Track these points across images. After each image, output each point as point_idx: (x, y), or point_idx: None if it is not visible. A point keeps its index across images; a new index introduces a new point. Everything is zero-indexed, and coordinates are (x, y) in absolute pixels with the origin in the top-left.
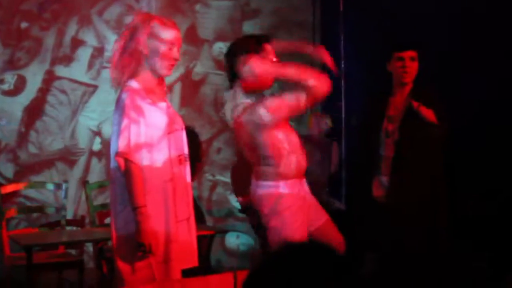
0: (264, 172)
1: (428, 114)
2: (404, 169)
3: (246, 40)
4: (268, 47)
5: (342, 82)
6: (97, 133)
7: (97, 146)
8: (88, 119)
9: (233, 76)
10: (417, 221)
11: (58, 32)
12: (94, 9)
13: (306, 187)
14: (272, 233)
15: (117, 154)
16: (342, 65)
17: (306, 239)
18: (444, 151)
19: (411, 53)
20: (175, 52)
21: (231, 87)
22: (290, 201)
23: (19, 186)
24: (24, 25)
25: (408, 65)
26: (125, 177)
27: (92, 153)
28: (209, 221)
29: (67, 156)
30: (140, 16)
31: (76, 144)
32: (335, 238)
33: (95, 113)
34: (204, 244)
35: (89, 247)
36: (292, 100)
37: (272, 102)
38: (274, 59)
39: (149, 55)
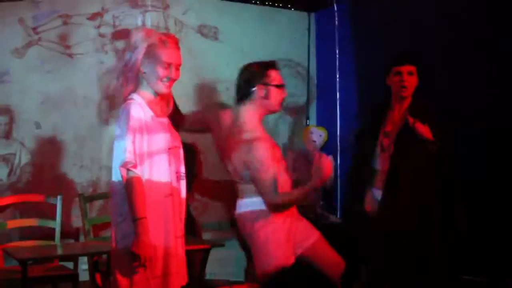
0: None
1: (423, 130)
2: (396, 184)
3: (250, 67)
4: (272, 73)
5: (337, 96)
6: None
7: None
8: None
9: (241, 97)
10: (408, 236)
11: None
12: None
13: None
14: (257, 250)
15: (122, 164)
16: (337, 79)
17: (291, 258)
18: (439, 167)
19: (409, 68)
20: (171, 72)
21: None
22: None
23: (15, 199)
24: None
25: (406, 79)
26: (126, 188)
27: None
28: (206, 234)
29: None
30: (140, 33)
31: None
32: (330, 258)
33: None
34: (198, 258)
35: (84, 260)
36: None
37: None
38: (278, 84)
39: (146, 74)
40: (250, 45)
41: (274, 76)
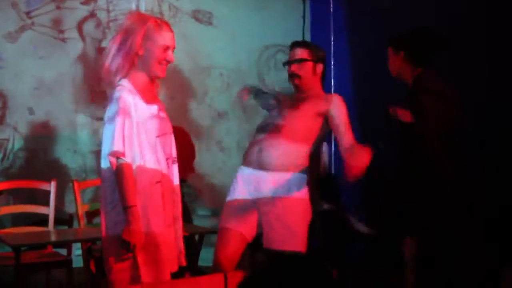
0: None
1: (402, 116)
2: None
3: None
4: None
5: (332, 83)
6: None
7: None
8: None
9: None
10: None
11: None
12: None
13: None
14: None
15: (111, 153)
16: (332, 66)
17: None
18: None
19: (388, 50)
20: (169, 55)
21: None
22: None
23: (8, 185)
24: None
25: (389, 62)
26: (116, 176)
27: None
28: (199, 221)
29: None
30: (136, 17)
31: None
32: None
33: None
34: (193, 244)
35: (78, 246)
36: None
37: None
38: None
39: (143, 57)
40: (244, 31)
41: (290, 54)
